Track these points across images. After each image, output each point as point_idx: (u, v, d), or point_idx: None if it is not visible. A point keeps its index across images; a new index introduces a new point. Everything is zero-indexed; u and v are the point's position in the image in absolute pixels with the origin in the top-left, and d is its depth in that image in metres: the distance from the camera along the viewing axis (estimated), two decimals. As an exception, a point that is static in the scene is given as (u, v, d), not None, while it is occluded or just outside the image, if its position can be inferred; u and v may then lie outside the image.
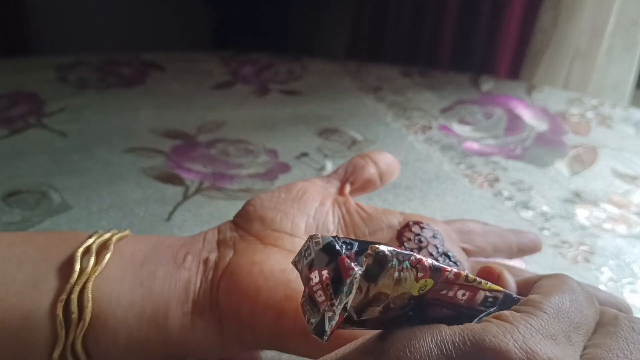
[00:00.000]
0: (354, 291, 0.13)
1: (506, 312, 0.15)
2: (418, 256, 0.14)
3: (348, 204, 0.25)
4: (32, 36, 0.91)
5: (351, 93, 0.55)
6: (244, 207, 0.24)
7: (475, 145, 0.47)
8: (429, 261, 0.14)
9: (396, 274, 0.14)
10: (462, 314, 0.15)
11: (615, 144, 0.49)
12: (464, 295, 0.15)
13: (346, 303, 0.13)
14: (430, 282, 0.15)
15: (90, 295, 0.19)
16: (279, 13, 1.11)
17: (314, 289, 0.14)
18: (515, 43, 0.70)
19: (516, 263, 0.34)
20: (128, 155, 0.42)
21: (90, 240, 0.21)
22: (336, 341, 0.18)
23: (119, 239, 0.22)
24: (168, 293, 0.20)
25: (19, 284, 0.19)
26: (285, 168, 0.41)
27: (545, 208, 0.39)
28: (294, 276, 0.20)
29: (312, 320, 0.14)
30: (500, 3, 0.69)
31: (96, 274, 0.20)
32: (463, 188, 0.41)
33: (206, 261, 0.22)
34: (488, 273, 0.19)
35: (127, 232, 0.23)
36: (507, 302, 0.16)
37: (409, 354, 0.14)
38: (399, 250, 0.14)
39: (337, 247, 0.14)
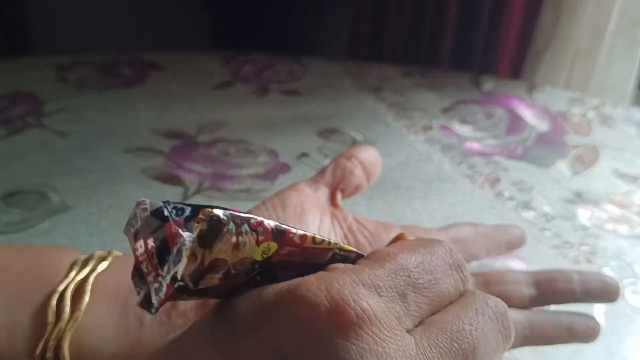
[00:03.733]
0: (183, 259, 0.12)
1: (339, 264, 0.14)
2: (259, 219, 0.13)
3: (347, 219, 0.24)
4: (31, 36, 0.91)
5: (351, 93, 0.55)
6: None
7: (476, 146, 0.47)
8: (271, 223, 0.14)
9: (234, 239, 0.13)
10: (313, 272, 0.14)
11: (617, 144, 0.49)
12: (312, 255, 0.15)
13: (175, 272, 0.12)
14: (273, 245, 0.14)
15: (67, 352, 0.18)
16: (279, 13, 1.11)
17: (140, 259, 0.13)
18: (516, 43, 0.70)
19: (517, 264, 0.33)
20: (128, 155, 0.41)
21: (67, 280, 0.19)
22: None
23: (101, 273, 0.20)
24: (158, 342, 0.18)
25: None
26: (285, 168, 0.41)
27: (546, 208, 0.39)
28: None
29: (140, 293, 0.13)
30: (501, 3, 0.69)
31: (74, 327, 0.18)
32: (464, 188, 0.41)
33: (204, 304, 0.20)
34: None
35: (110, 259, 0.20)
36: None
37: (227, 317, 0.13)
38: (236, 213, 0.13)
39: (166, 212, 0.13)
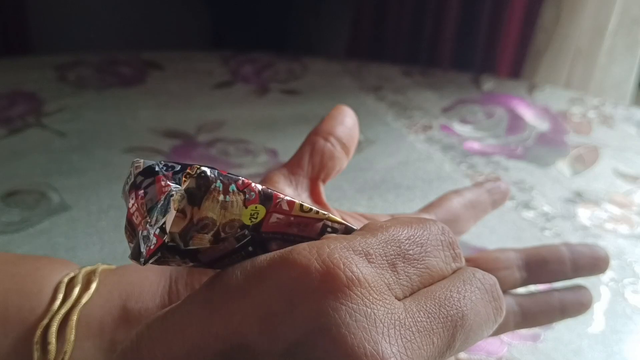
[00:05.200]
0: (171, 211, 0.13)
1: (331, 234, 0.14)
2: (247, 180, 0.14)
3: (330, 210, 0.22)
4: (31, 35, 0.91)
5: (351, 92, 0.54)
6: None
7: (476, 145, 0.47)
8: (258, 186, 0.14)
9: (221, 197, 0.13)
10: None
11: (617, 143, 0.49)
12: (302, 226, 0.15)
13: (164, 223, 0.13)
14: (261, 209, 0.14)
15: None
16: (279, 11, 1.11)
17: (131, 211, 0.13)
18: (516, 42, 0.70)
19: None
20: (127, 155, 0.41)
21: (50, 314, 0.18)
22: None
23: (85, 305, 0.18)
24: None
25: None
26: (285, 168, 0.41)
27: (546, 208, 0.39)
28: None
29: (131, 245, 0.13)
30: (501, 3, 0.69)
31: None
32: (464, 188, 0.40)
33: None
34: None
35: (96, 281, 0.19)
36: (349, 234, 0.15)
37: (219, 283, 0.13)
38: (223, 173, 0.13)
39: (157, 169, 0.13)
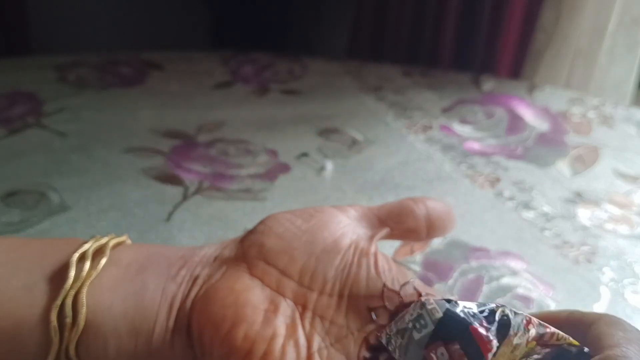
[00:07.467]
0: None
1: None
2: (528, 315, 0.14)
3: (368, 256, 0.21)
4: (31, 35, 0.91)
5: (351, 93, 0.54)
6: (257, 225, 0.22)
7: (476, 145, 0.47)
8: (535, 320, 0.14)
9: (515, 340, 0.13)
10: None
11: (617, 143, 0.49)
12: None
13: None
14: (533, 344, 0.14)
15: (84, 301, 0.19)
16: (279, 11, 1.11)
17: None
18: (516, 42, 0.70)
19: (517, 264, 0.33)
20: (127, 155, 0.41)
21: (87, 246, 0.21)
22: None
23: (116, 245, 0.22)
24: (158, 306, 0.20)
25: (13, 290, 0.19)
26: (285, 168, 0.41)
27: (546, 208, 0.39)
28: (260, 319, 0.20)
29: None
30: (501, 2, 0.69)
31: (91, 279, 0.20)
32: (464, 188, 0.41)
33: (197, 278, 0.21)
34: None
35: (124, 237, 0.22)
36: (580, 355, 0.15)
37: None
38: (515, 310, 0.13)
39: (462, 314, 0.13)
